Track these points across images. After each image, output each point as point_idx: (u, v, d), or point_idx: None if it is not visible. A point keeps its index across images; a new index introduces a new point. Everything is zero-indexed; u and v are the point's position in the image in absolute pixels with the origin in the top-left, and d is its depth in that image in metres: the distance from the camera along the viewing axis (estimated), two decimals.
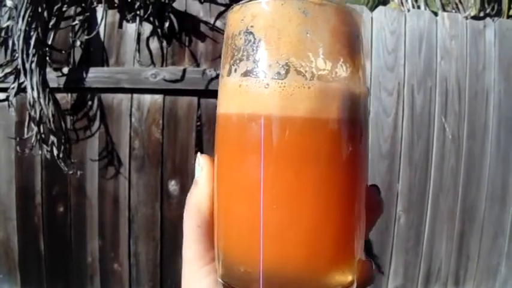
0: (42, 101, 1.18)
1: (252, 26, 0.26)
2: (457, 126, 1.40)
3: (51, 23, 1.26)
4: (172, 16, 1.32)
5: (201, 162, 0.31)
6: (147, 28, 1.33)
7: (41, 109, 1.20)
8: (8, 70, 1.28)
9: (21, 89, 1.25)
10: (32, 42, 1.15)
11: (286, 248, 0.26)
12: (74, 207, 1.39)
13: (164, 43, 1.34)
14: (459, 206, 1.42)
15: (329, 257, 0.27)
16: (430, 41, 1.39)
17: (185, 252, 0.30)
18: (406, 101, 1.39)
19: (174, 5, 1.33)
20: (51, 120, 1.22)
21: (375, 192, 0.32)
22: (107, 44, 1.35)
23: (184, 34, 1.35)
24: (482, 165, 1.41)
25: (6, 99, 1.28)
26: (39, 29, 1.16)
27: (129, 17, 1.31)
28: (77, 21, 1.31)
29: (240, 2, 0.27)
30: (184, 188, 1.36)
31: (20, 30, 1.14)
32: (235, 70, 0.27)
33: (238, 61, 0.27)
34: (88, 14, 1.33)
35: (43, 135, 1.24)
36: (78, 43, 1.33)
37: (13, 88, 1.25)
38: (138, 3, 1.28)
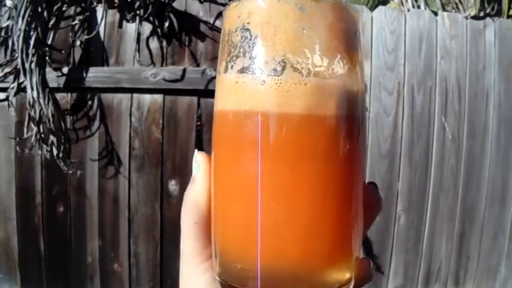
0: (41, 100, 1.19)
1: (248, 23, 0.26)
2: (457, 126, 1.40)
3: (51, 22, 1.26)
4: (172, 16, 1.32)
5: (199, 159, 0.31)
6: (147, 28, 1.33)
7: (41, 109, 1.20)
8: (7, 70, 1.28)
9: (20, 89, 1.25)
10: (32, 42, 1.15)
11: (283, 245, 0.26)
12: (74, 207, 1.39)
13: (164, 43, 1.34)
14: (459, 206, 1.42)
15: (326, 254, 0.27)
16: (430, 41, 1.39)
17: (183, 249, 0.30)
18: (406, 101, 1.39)
19: (174, 4, 1.33)
20: (51, 120, 1.22)
21: (373, 190, 0.32)
22: (106, 44, 1.35)
23: (184, 34, 1.35)
24: (482, 165, 1.41)
25: (6, 99, 1.28)
26: (39, 29, 1.16)
27: (129, 16, 1.31)
28: (76, 21, 1.31)
29: None
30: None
31: (20, 30, 1.14)
32: (232, 67, 0.27)
33: (234, 58, 0.27)
34: (88, 13, 1.33)
35: (43, 135, 1.24)
36: (78, 43, 1.33)
37: (13, 88, 1.26)
38: (138, 3, 1.29)
